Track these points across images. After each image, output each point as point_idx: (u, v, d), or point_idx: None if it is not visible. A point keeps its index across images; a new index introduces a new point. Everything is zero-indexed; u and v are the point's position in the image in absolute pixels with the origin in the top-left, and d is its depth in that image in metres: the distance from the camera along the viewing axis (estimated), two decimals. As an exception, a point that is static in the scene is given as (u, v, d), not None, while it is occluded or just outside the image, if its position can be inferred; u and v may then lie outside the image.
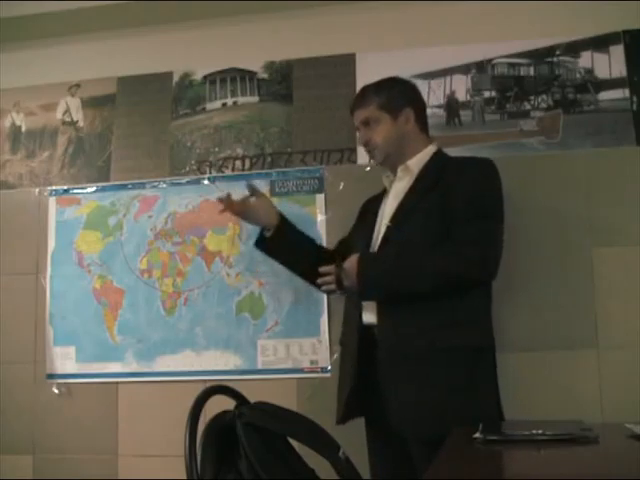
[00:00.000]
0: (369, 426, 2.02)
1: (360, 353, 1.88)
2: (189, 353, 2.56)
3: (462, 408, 1.74)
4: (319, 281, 1.94)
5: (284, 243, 2.18)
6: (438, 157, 2.00)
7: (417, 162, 1.98)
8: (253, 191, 2.20)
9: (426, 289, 1.80)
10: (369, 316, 1.90)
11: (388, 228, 1.91)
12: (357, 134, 2.11)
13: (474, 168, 1.92)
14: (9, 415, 2.64)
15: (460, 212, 1.82)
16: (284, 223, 2.18)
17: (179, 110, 2.74)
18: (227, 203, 2.15)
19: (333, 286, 1.87)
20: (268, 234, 2.17)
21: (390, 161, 2.02)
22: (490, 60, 2.49)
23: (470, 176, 1.88)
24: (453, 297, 1.81)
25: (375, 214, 2.04)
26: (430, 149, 2.01)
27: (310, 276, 2.07)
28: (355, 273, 1.83)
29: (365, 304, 1.91)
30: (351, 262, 1.85)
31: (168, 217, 2.65)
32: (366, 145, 2.03)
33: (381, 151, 2.00)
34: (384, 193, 2.09)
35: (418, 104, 2.05)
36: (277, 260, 2.25)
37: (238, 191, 2.64)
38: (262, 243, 2.20)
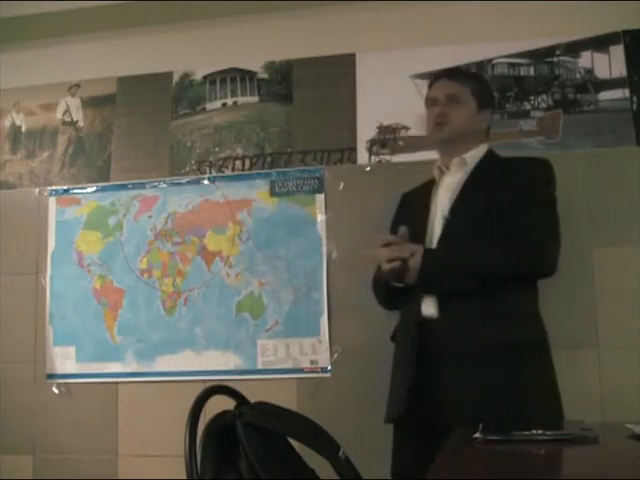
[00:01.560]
0: (411, 424, 1.89)
1: (419, 347, 1.85)
2: (189, 353, 2.56)
3: (521, 404, 1.71)
4: (386, 267, 1.85)
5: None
6: (491, 155, 2.01)
7: (472, 157, 1.97)
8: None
9: (485, 286, 1.79)
10: (429, 309, 1.87)
11: (447, 221, 1.89)
12: (426, 107, 2.04)
13: (531, 167, 1.93)
14: (9, 415, 2.64)
15: (518, 210, 1.81)
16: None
17: (179, 110, 2.74)
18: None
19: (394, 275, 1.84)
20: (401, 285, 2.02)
21: (451, 145, 1.99)
22: (490, 60, 2.49)
23: (527, 174, 1.89)
24: (513, 291, 1.81)
25: (423, 207, 2.00)
26: (484, 147, 2.01)
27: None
28: (418, 266, 1.80)
29: (425, 296, 1.88)
30: (416, 256, 1.81)
31: (168, 217, 2.65)
32: (440, 117, 1.98)
33: (451, 131, 1.97)
34: (429, 185, 2.05)
35: (494, 110, 2.15)
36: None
37: (238, 191, 2.65)
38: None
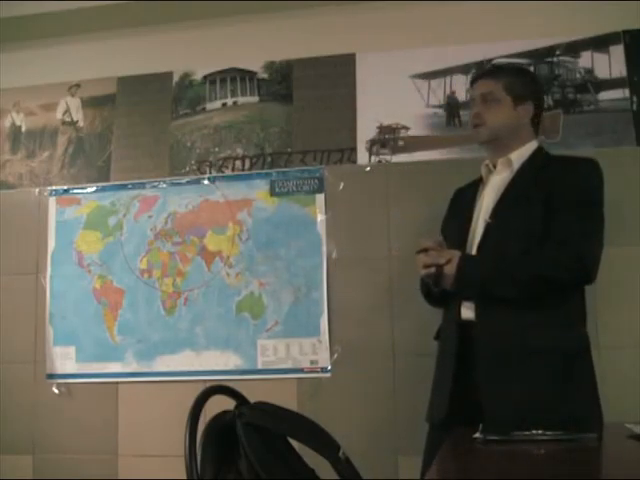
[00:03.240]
0: (452, 425, 1.84)
1: (458, 350, 1.84)
2: (189, 353, 2.56)
3: (559, 411, 1.70)
4: (422, 273, 1.85)
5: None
6: (540, 153, 1.95)
7: (519, 156, 1.93)
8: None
9: (523, 294, 1.77)
10: (468, 312, 1.86)
11: (488, 225, 1.87)
12: (471, 106, 2.01)
13: (578, 167, 1.88)
14: (9, 415, 2.64)
15: (561, 212, 1.78)
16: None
17: (179, 110, 2.74)
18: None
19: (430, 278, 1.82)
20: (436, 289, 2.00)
21: (493, 145, 1.97)
22: (490, 60, 2.49)
23: (573, 175, 1.84)
24: (553, 297, 1.79)
25: (469, 206, 1.98)
26: (532, 144, 1.96)
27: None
28: (454, 273, 1.79)
29: (463, 300, 1.87)
30: (452, 263, 1.80)
31: (168, 217, 2.65)
32: (476, 118, 1.96)
33: (488, 131, 1.94)
34: (479, 182, 2.03)
35: (540, 102, 2.01)
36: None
37: (238, 191, 2.65)
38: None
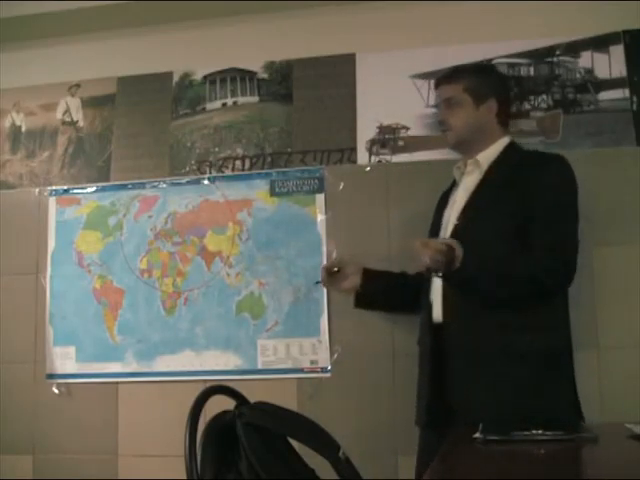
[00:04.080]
0: (438, 427, 1.89)
1: (433, 352, 1.86)
2: (189, 353, 2.56)
3: (532, 412, 1.70)
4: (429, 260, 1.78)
5: (374, 295, 2.15)
6: (510, 151, 1.94)
7: (487, 156, 1.93)
8: (337, 265, 2.12)
9: (506, 295, 1.76)
10: (438, 314, 1.87)
11: (455, 226, 1.88)
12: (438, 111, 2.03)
13: (549, 166, 1.87)
14: (9, 415, 2.64)
15: (537, 215, 1.77)
16: (367, 279, 2.11)
17: (179, 110, 2.74)
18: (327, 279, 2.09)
19: (429, 262, 1.74)
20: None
21: (462, 147, 1.98)
22: (490, 60, 2.49)
23: (545, 175, 1.83)
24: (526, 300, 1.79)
25: (443, 209, 2.00)
26: (503, 141, 1.95)
27: (410, 307, 2.09)
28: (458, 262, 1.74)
29: (434, 302, 1.88)
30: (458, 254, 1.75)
31: (168, 217, 2.65)
32: (442, 124, 1.99)
33: (455, 135, 1.96)
34: (454, 185, 2.04)
35: (504, 96, 2.01)
36: (378, 310, 2.22)
37: (238, 191, 2.65)
38: (358, 302, 2.17)
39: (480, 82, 1.96)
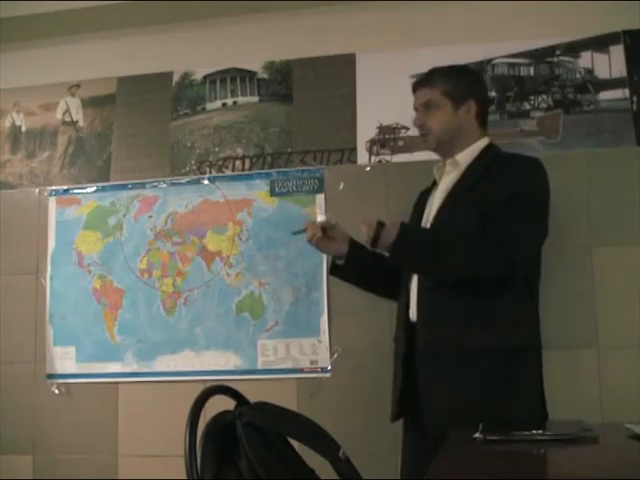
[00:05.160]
0: (409, 424, 1.99)
1: (407, 350, 1.88)
2: (189, 353, 2.56)
3: (498, 409, 1.72)
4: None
5: (356, 268, 2.12)
6: (488, 152, 1.95)
7: (466, 156, 1.94)
8: (328, 225, 2.09)
9: (449, 275, 1.79)
10: (413, 313, 1.88)
11: (432, 226, 1.90)
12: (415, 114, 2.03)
13: (518, 167, 1.88)
14: (9, 415, 2.64)
15: (496, 211, 1.79)
16: (354, 249, 2.09)
17: (179, 110, 2.74)
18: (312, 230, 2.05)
19: (367, 238, 1.83)
20: (340, 262, 2.09)
21: (442, 149, 1.98)
22: (490, 60, 2.49)
23: (512, 175, 1.84)
24: (492, 296, 1.80)
25: (422, 209, 2.01)
26: (481, 143, 1.96)
27: (386, 293, 2.15)
28: (394, 235, 1.78)
29: (411, 301, 1.89)
30: (395, 225, 1.80)
31: (168, 217, 2.65)
32: (421, 128, 1.98)
33: (435, 138, 1.96)
34: (434, 185, 2.05)
35: (482, 97, 2.00)
36: (353, 284, 2.20)
37: (238, 191, 2.65)
38: (335, 270, 2.14)
39: (458, 84, 1.96)
